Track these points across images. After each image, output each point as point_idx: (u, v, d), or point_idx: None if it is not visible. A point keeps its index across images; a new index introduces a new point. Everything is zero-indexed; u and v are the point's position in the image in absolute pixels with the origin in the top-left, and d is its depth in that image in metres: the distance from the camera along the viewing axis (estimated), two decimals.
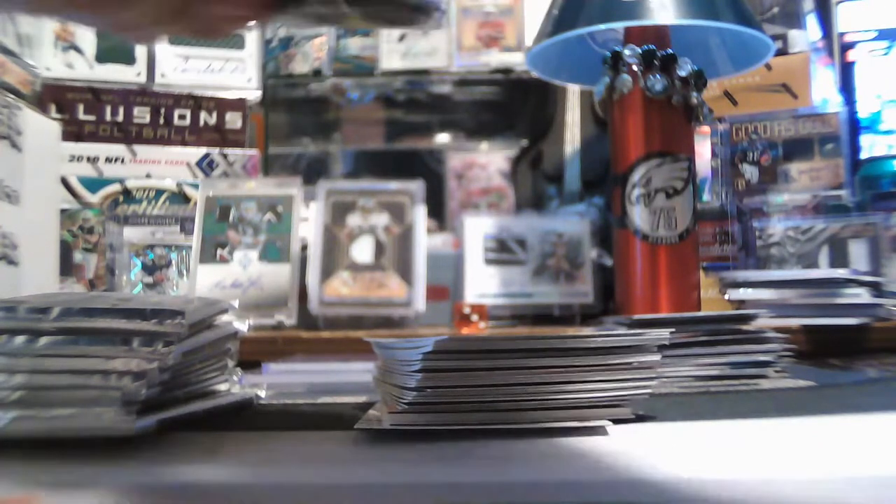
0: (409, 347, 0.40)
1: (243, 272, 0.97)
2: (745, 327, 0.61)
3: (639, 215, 0.82)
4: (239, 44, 1.14)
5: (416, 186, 1.03)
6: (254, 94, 1.14)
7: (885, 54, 1.14)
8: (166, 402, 0.44)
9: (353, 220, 1.01)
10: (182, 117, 1.10)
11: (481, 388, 0.40)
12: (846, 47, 1.16)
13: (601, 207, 1.20)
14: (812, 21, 1.20)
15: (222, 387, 0.53)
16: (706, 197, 1.11)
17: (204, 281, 0.96)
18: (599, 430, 0.40)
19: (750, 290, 0.88)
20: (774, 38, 0.98)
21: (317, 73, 1.41)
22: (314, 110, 1.58)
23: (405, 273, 0.99)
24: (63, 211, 0.95)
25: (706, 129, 1.11)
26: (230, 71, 1.13)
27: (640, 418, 0.43)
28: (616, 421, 0.41)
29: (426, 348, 0.39)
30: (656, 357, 0.41)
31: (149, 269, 0.99)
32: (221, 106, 1.12)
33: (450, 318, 1.03)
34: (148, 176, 1.07)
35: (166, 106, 1.10)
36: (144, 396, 0.39)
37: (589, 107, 1.30)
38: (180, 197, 1.06)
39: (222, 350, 0.52)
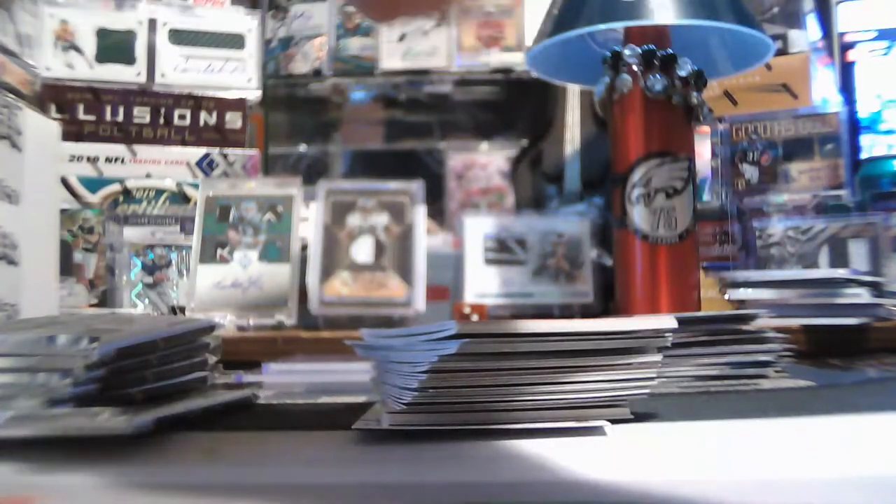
0: (420, 349, 0.40)
1: (243, 272, 0.97)
2: (745, 327, 0.61)
3: (639, 215, 0.82)
4: (239, 44, 1.14)
5: (416, 186, 1.03)
6: (254, 94, 1.14)
7: (885, 54, 1.14)
8: (157, 400, 0.44)
9: (353, 220, 1.01)
10: (182, 117, 1.10)
11: (481, 388, 0.40)
12: (846, 47, 1.16)
13: (601, 207, 1.20)
14: (812, 21, 1.20)
15: (200, 384, 0.52)
16: (706, 197, 1.11)
17: (204, 281, 0.96)
18: (598, 431, 0.40)
19: (750, 290, 0.88)
20: (774, 38, 0.98)
21: (317, 73, 1.41)
22: (314, 110, 1.58)
23: (405, 273, 0.99)
24: (63, 211, 0.95)
25: (706, 129, 1.11)
26: (230, 71, 1.13)
27: (639, 418, 0.43)
28: (615, 421, 0.41)
29: (445, 350, 0.38)
30: (657, 357, 0.41)
31: (149, 269, 0.99)
32: (221, 106, 1.12)
33: (450, 318, 1.03)
34: (148, 176, 1.07)
35: (166, 106, 1.10)
36: (73, 394, 0.39)
37: (589, 107, 1.30)
38: (180, 197, 1.06)
39: (196, 345, 0.51)
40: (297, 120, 1.61)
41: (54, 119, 0.86)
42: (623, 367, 0.41)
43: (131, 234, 1.01)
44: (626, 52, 0.83)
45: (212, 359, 0.53)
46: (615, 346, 0.41)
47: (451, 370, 0.39)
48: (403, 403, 0.40)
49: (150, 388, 0.47)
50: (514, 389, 0.40)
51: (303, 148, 1.57)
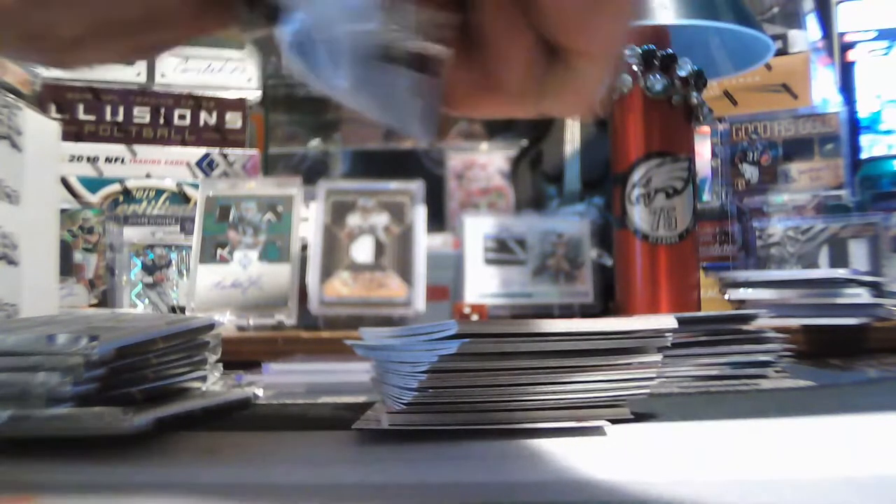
0: (420, 349, 0.40)
1: (243, 272, 0.97)
2: (745, 327, 0.61)
3: (639, 215, 0.82)
4: (239, 44, 1.14)
5: (416, 186, 1.03)
6: (254, 94, 1.14)
7: (885, 54, 1.14)
8: (157, 400, 0.44)
9: (353, 220, 1.01)
10: (182, 117, 1.10)
11: (481, 388, 0.40)
12: (846, 47, 1.16)
13: (601, 207, 1.20)
14: (812, 21, 1.20)
15: (200, 383, 0.52)
16: (706, 197, 1.11)
17: (204, 281, 0.96)
18: (597, 431, 0.40)
19: (750, 290, 0.88)
20: (774, 38, 0.98)
21: None
22: (314, 110, 1.58)
23: (405, 273, 0.99)
24: (63, 211, 0.95)
25: (706, 129, 1.11)
26: (230, 71, 1.13)
27: (639, 418, 0.43)
28: (615, 421, 0.41)
29: (446, 350, 0.38)
30: (657, 357, 0.41)
31: (149, 269, 0.99)
32: (221, 106, 1.12)
33: (450, 318, 1.03)
34: (148, 176, 1.07)
35: (166, 106, 1.10)
36: (73, 393, 0.39)
37: None
38: (180, 197, 1.06)
39: (195, 343, 0.51)
40: (297, 120, 1.60)
41: (54, 119, 0.86)
42: (623, 368, 0.41)
43: (131, 234, 1.01)
44: (626, 52, 0.83)
45: (211, 357, 0.53)
46: (615, 346, 0.41)
47: (452, 370, 0.39)
48: (403, 403, 0.39)
49: (150, 388, 0.47)
50: (514, 389, 0.40)
51: (313, 142, 1.56)
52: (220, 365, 0.57)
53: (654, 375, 0.41)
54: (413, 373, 0.39)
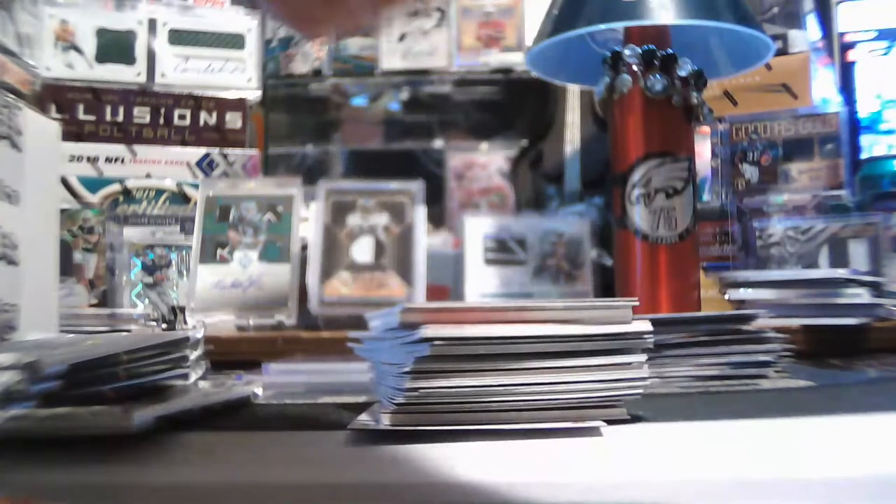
0: (399, 350, 0.40)
1: (243, 272, 0.97)
2: (745, 327, 0.61)
3: (639, 215, 0.82)
4: (239, 44, 1.14)
5: (416, 186, 1.03)
6: (254, 94, 1.14)
7: (885, 54, 1.14)
8: (155, 398, 0.44)
9: (353, 220, 1.01)
10: (182, 117, 1.10)
11: (468, 388, 0.39)
12: (846, 47, 1.16)
13: (601, 207, 1.20)
14: (812, 21, 1.20)
15: (181, 381, 0.51)
16: (706, 197, 1.11)
17: (204, 281, 0.96)
18: (594, 431, 0.40)
19: (750, 290, 0.88)
20: (774, 38, 0.98)
21: (317, 73, 1.41)
22: (314, 110, 1.58)
23: (405, 273, 0.99)
24: (63, 211, 0.95)
25: (706, 129, 1.11)
26: (230, 71, 1.13)
27: (637, 418, 0.43)
28: (612, 421, 0.41)
29: (420, 353, 0.38)
30: (640, 358, 0.41)
31: (149, 269, 0.99)
32: (221, 106, 1.12)
33: None
34: (148, 176, 1.07)
35: (166, 106, 1.10)
36: (36, 391, 0.39)
37: (589, 107, 1.30)
38: (180, 197, 1.06)
39: (171, 341, 0.51)
40: (297, 120, 1.61)
41: (54, 119, 0.86)
42: (606, 369, 0.41)
43: (131, 234, 1.01)
44: (626, 52, 0.83)
45: (193, 354, 0.52)
46: (592, 348, 0.40)
47: (433, 371, 0.39)
48: (395, 403, 0.40)
49: (137, 384, 0.46)
50: (498, 390, 0.40)
51: (309, 148, 1.56)
52: (206, 364, 0.56)
53: (644, 376, 0.41)
54: (399, 374, 0.39)
